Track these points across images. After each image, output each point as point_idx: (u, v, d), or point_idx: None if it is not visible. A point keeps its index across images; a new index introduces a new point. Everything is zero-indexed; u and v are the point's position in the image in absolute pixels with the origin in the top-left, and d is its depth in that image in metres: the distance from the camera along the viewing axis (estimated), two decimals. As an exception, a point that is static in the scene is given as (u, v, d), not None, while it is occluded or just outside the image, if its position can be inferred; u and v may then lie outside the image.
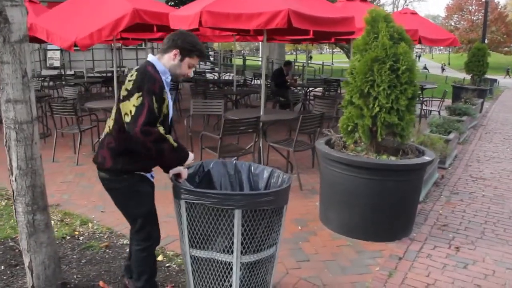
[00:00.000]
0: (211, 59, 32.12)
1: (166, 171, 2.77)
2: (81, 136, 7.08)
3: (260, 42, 21.73)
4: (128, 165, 2.60)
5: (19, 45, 2.56)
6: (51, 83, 13.49)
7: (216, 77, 17.36)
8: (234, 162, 3.20)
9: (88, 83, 13.02)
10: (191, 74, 2.78)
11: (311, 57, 33.25)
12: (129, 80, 2.51)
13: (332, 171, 4.17)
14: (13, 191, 2.79)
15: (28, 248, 2.85)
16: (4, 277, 3.35)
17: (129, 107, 2.43)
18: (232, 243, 2.62)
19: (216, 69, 20.88)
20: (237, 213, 2.55)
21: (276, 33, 8.40)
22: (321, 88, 12.47)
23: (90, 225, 4.35)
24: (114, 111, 2.62)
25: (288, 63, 11.43)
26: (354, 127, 4.22)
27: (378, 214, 4.03)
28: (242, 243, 2.62)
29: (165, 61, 2.63)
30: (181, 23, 5.80)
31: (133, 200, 2.66)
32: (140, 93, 2.41)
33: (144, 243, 2.75)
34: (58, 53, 20.54)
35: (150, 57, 2.64)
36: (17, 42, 2.55)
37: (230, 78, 12.17)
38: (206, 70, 20.41)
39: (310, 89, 12.00)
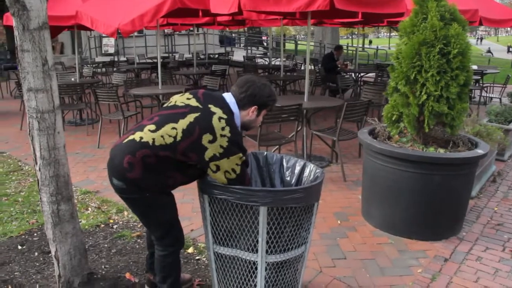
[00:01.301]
0: (264, 44, 31.97)
1: None
2: (126, 122, 7.18)
3: (315, 27, 21.29)
4: (154, 185, 2.43)
5: (38, 33, 2.49)
6: (103, 69, 13.85)
7: (266, 63, 17.25)
8: (265, 154, 3.10)
9: (138, 69, 13.24)
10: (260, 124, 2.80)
11: (370, 42, 32.26)
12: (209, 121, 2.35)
13: (375, 163, 3.97)
14: (38, 180, 2.76)
15: (53, 238, 2.83)
16: (37, 264, 3.39)
17: (231, 165, 2.39)
18: (257, 241, 2.51)
19: (268, 54, 20.66)
20: (262, 210, 2.44)
21: (324, 16, 8.08)
22: (374, 74, 12.04)
23: (125, 213, 4.36)
24: (168, 127, 2.38)
25: (339, 48, 11.09)
26: (399, 116, 4.02)
27: (423, 211, 3.80)
28: (267, 242, 2.51)
29: (242, 116, 2.57)
30: (221, 7, 5.65)
31: (156, 209, 2.53)
32: (241, 153, 2.39)
33: (170, 248, 2.65)
34: (112, 40, 21.04)
35: (234, 108, 2.51)
36: (36, 30, 2.48)
37: (280, 63, 11.93)
38: (257, 55, 20.29)
39: (362, 74, 11.60)
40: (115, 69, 13.57)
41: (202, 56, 18.01)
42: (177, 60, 15.72)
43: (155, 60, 15.37)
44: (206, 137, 2.33)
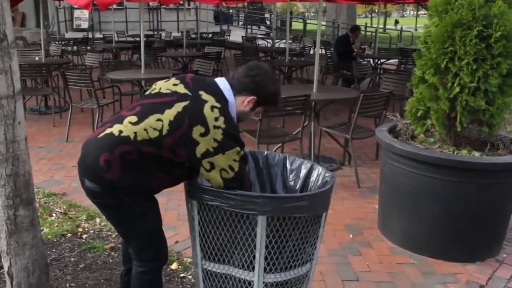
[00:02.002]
0: (267, 22, 31.96)
1: None
2: (101, 112, 7.17)
3: (328, 3, 21.27)
4: (136, 187, 2.41)
5: (-5, 1, 2.46)
6: (75, 47, 13.83)
7: (269, 45, 17.24)
8: (265, 153, 3.10)
9: (117, 48, 13.22)
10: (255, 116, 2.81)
11: (397, 22, 32.09)
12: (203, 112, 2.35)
13: (395, 167, 3.97)
14: (-8, 180, 2.74)
15: (8, 250, 2.81)
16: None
17: (227, 161, 2.39)
18: (254, 257, 2.50)
19: (271, 34, 20.66)
20: (261, 220, 2.43)
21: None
22: (396, 60, 12.03)
23: (97, 220, 4.36)
24: (152, 118, 2.37)
25: (356, 29, 11.10)
26: (425, 112, 4.01)
27: (454, 226, 3.79)
28: (266, 258, 2.50)
29: (237, 104, 2.56)
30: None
31: (136, 217, 2.52)
32: (238, 147, 2.41)
33: (151, 264, 2.64)
34: (86, 12, 21.03)
35: (228, 95, 2.52)
36: (-8, -3, 2.45)
37: (285, 46, 11.93)
38: (258, 36, 20.29)
39: (382, 61, 11.60)
40: (89, 47, 13.56)
41: (193, 36, 18.00)
42: (163, 40, 15.72)
43: (137, 39, 15.32)
44: (197, 130, 2.33)
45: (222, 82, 2.55)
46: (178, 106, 2.38)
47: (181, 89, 2.47)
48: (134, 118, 2.39)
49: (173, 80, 2.56)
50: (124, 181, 2.36)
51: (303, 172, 2.96)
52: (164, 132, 2.34)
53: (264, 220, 2.42)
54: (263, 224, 2.42)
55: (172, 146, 2.34)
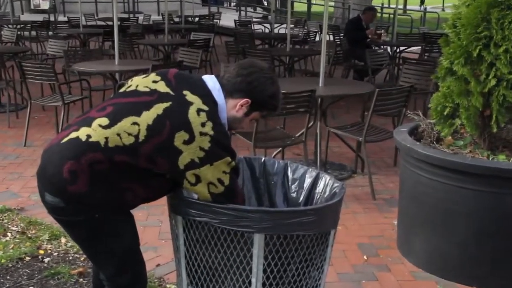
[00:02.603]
0: (264, 3, 32.01)
1: None
2: (67, 111, 7.16)
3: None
4: (107, 202, 2.42)
5: None
6: (33, 33, 13.81)
7: (267, 30, 17.26)
8: (263, 160, 3.13)
9: (85, 34, 13.22)
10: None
11: (422, 1, 32.07)
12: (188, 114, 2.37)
13: (418, 175, 3.98)
14: None
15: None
16: None
17: (216, 174, 2.41)
18: (250, 283, 2.52)
19: (270, 18, 20.70)
20: (258, 239, 2.45)
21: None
22: (419, 48, 12.06)
23: (62, 240, 4.35)
24: (127, 121, 2.37)
25: (369, 10, 11.12)
26: (454, 110, 4.01)
27: (491, 246, 3.80)
28: (264, 284, 2.53)
29: (228, 107, 2.58)
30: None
31: (108, 236, 2.52)
32: (229, 157, 2.43)
33: None
34: (47, -9, 21.03)
35: (218, 96, 2.53)
36: None
37: (285, 32, 11.95)
38: (254, 19, 20.32)
39: (402, 48, 11.63)
40: (51, 33, 13.54)
41: (176, 19, 18.02)
42: (141, 24, 15.75)
43: (109, 23, 15.35)
44: (180, 137, 2.34)
45: (211, 81, 2.55)
46: (158, 108, 2.38)
47: (162, 87, 2.47)
48: (105, 121, 2.38)
49: (153, 76, 2.56)
50: (93, 194, 2.36)
51: (308, 182, 2.98)
52: (141, 138, 2.34)
53: (262, 239, 2.43)
54: (260, 243, 2.44)
55: (151, 155, 2.35)
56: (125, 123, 2.36)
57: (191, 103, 2.39)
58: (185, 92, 2.44)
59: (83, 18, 14.41)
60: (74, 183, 2.33)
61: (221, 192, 2.43)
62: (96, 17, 18.12)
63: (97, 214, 2.42)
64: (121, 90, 2.59)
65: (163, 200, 2.67)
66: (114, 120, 2.37)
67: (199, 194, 2.44)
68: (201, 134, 2.34)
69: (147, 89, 2.47)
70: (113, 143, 2.33)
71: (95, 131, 2.36)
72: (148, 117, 2.36)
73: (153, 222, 4.71)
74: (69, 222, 2.48)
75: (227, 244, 2.47)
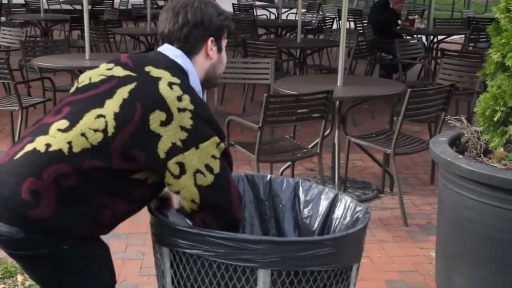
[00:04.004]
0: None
1: None
2: (25, 117, 7.15)
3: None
4: (81, 225, 2.42)
5: None
6: (-19, 19, 13.82)
7: (273, 16, 17.26)
8: (269, 178, 3.12)
9: (47, 22, 13.22)
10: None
11: None
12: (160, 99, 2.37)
13: (461, 196, 3.97)
14: None
15: None
16: None
17: (203, 159, 2.41)
18: None
19: (276, 1, 20.73)
20: (263, 276, 2.44)
21: None
22: (462, 37, 12.06)
23: (19, 278, 4.34)
24: (90, 117, 2.39)
25: None
26: (506, 115, 4.00)
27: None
28: None
29: (198, 67, 2.66)
30: None
31: (77, 271, 2.52)
32: (216, 137, 2.45)
33: None
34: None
35: (184, 62, 2.59)
36: None
37: (296, 18, 11.91)
38: (257, 3, 20.34)
39: (440, 38, 11.63)
40: (3, 19, 13.55)
41: (161, 3, 18.03)
42: (117, 9, 15.72)
43: (77, 7, 15.38)
44: (156, 117, 2.34)
45: (170, 50, 2.59)
46: (122, 92, 2.39)
47: (119, 71, 2.49)
48: (64, 123, 2.39)
49: (104, 65, 2.59)
50: (61, 219, 2.35)
51: (324, 204, 2.97)
52: (110, 131, 2.34)
53: (268, 276, 2.42)
54: (266, 281, 2.43)
55: (125, 149, 2.34)
56: (88, 119, 2.36)
57: (159, 78, 2.43)
58: (147, 68, 2.47)
59: (44, 0, 14.38)
60: (37, 206, 2.30)
61: (211, 184, 2.41)
62: (60, 0, 18.12)
63: (66, 245, 2.41)
64: (72, 89, 2.59)
65: (145, 227, 2.68)
66: (74, 119, 2.38)
67: (185, 192, 2.42)
68: (180, 110, 2.37)
69: (103, 77, 2.49)
70: (78, 147, 2.33)
71: (54, 137, 2.36)
72: (113, 104, 2.37)
73: (133, 255, 4.72)
74: (29, 257, 2.47)
75: (225, 283, 2.46)
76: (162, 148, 2.34)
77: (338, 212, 2.90)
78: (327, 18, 13.95)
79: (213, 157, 2.41)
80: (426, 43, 11.26)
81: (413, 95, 5.37)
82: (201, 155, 2.38)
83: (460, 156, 4.07)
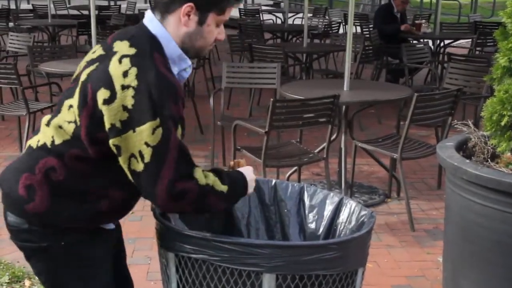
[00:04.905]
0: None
1: None
2: (32, 122, 7.17)
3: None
4: (79, 218, 2.43)
5: None
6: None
7: (280, 21, 17.27)
8: (274, 182, 3.12)
9: (55, 26, 13.25)
10: (223, 36, 2.57)
11: None
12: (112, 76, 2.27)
13: (468, 201, 3.95)
14: None
15: None
16: None
17: (137, 144, 2.27)
18: None
19: (282, 5, 20.75)
20: (268, 281, 2.45)
21: None
22: (468, 41, 12.04)
23: (26, 283, 4.35)
24: (64, 108, 2.41)
25: None
26: (513, 120, 3.99)
27: None
28: None
29: (172, 30, 2.45)
30: None
31: (73, 271, 2.53)
32: (158, 121, 2.25)
33: None
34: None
35: (155, 27, 2.43)
36: None
37: (302, 22, 11.93)
38: (264, 8, 20.37)
39: (446, 42, 11.61)
40: (11, 24, 13.58)
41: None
42: (123, 14, 15.75)
43: (85, 12, 15.40)
44: (101, 95, 2.27)
45: (147, 16, 2.48)
46: (83, 75, 2.36)
47: (98, 53, 2.45)
48: (47, 118, 2.47)
49: (95, 47, 2.56)
50: (57, 214, 2.40)
51: (329, 209, 2.96)
52: (77, 120, 2.34)
53: (273, 280, 2.42)
54: (271, 285, 2.43)
55: (89, 135, 2.32)
56: (63, 112, 2.40)
57: (114, 53, 2.34)
58: (115, 44, 2.40)
59: (52, 6, 14.37)
60: (32, 200, 2.37)
61: (141, 172, 2.28)
62: (68, 5, 18.12)
63: (63, 241, 2.44)
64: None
65: (152, 232, 2.68)
66: (56, 113, 2.44)
67: (132, 168, 2.33)
68: (123, 87, 2.25)
69: (85, 63, 2.46)
70: (59, 139, 2.38)
71: (43, 133, 2.45)
72: (77, 92, 2.35)
73: (140, 259, 4.73)
74: (32, 249, 2.50)
75: (231, 287, 2.46)
76: (107, 127, 2.27)
77: (343, 216, 2.90)
78: (333, 23, 13.95)
79: (146, 144, 2.24)
80: (432, 47, 11.24)
81: (420, 99, 5.37)
82: (136, 139, 2.25)
83: (467, 160, 4.05)
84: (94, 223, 2.50)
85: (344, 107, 5.76)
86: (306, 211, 3.03)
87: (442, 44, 11.63)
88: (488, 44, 11.06)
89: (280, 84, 7.05)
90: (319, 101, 5.34)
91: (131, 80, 2.25)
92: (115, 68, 2.28)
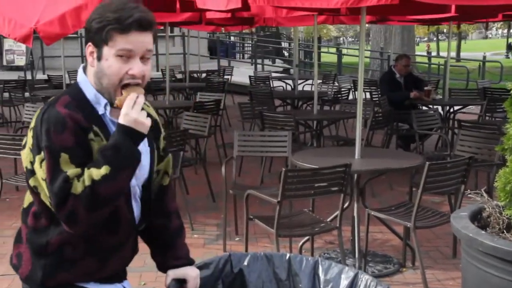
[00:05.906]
0: (285, 54, 32.40)
1: (161, 268, 2.82)
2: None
3: (373, 25, 21.55)
4: (52, 272, 2.53)
5: None
6: (6, 94, 13.95)
7: (290, 87, 17.40)
8: (288, 257, 3.08)
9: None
10: (137, 70, 2.45)
11: (510, 47, 31.93)
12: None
13: (485, 272, 3.90)
14: None
15: None
16: None
17: (41, 182, 2.45)
18: None
19: (292, 71, 20.91)
20: None
21: (388, 11, 8.23)
22: (478, 107, 12.07)
23: None
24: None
25: (401, 58, 10.99)
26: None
27: None
28: None
29: (88, 74, 2.54)
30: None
31: None
32: (42, 155, 2.39)
33: None
34: (22, 45, 21.47)
35: (79, 72, 2.58)
36: None
37: (312, 89, 12.02)
38: (274, 74, 20.55)
39: (456, 108, 11.65)
40: (27, 95, 13.67)
41: (179, 76, 18.18)
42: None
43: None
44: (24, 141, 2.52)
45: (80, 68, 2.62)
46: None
47: None
48: None
49: None
50: (36, 273, 2.54)
51: (344, 284, 2.91)
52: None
53: None
54: None
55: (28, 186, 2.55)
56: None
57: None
58: None
59: (66, 76, 14.49)
60: (21, 265, 2.59)
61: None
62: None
63: None
64: None
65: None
66: None
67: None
68: (29, 131, 2.46)
69: None
70: (27, 200, 2.61)
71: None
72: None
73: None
74: None
75: None
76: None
77: (359, 292, 2.86)
78: (342, 89, 14.04)
79: (42, 179, 2.41)
80: (442, 113, 11.26)
81: (432, 168, 5.38)
82: (38, 175, 2.43)
83: (483, 231, 4.03)
84: (70, 274, 2.55)
85: (355, 175, 5.75)
86: (321, 286, 2.98)
87: (451, 110, 11.65)
88: (498, 110, 11.05)
89: (291, 151, 7.07)
90: (331, 170, 5.34)
91: (32, 123, 2.45)
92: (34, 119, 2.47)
